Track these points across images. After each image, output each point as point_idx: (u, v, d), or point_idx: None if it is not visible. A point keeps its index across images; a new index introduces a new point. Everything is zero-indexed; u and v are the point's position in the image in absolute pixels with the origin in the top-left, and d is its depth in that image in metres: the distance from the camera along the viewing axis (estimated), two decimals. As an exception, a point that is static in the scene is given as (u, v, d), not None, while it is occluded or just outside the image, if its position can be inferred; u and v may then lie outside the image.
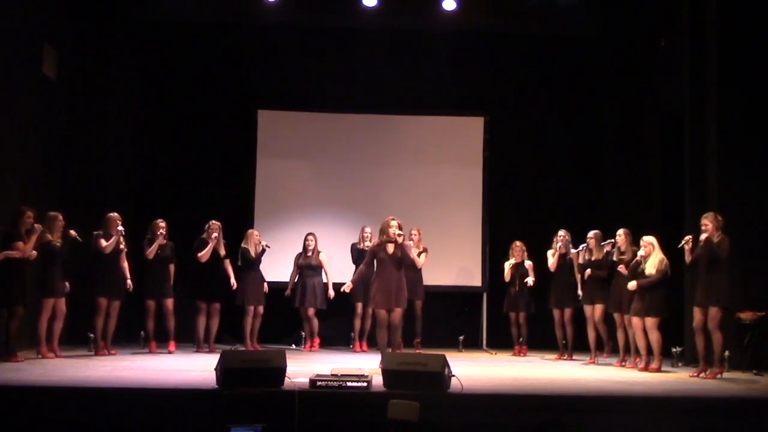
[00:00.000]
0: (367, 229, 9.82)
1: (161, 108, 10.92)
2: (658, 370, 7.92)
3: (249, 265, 9.58)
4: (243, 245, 9.62)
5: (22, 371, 6.91)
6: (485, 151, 11.00)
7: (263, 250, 9.62)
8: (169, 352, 8.91)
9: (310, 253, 9.89)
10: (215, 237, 9.25)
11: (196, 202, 10.50)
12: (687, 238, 7.78)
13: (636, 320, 8.05)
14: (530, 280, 9.62)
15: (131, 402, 5.74)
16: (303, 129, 10.96)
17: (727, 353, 7.69)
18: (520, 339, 9.74)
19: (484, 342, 10.65)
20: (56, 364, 7.51)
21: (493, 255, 10.63)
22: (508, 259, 9.83)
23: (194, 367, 7.39)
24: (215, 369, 5.99)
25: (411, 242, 9.55)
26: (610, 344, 8.98)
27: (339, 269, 9.96)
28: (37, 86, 9.17)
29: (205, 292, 9.25)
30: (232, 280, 9.44)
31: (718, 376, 7.46)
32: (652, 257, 7.98)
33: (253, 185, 10.79)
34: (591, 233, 8.94)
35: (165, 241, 9.07)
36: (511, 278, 9.72)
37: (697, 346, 7.71)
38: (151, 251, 8.94)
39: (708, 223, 7.53)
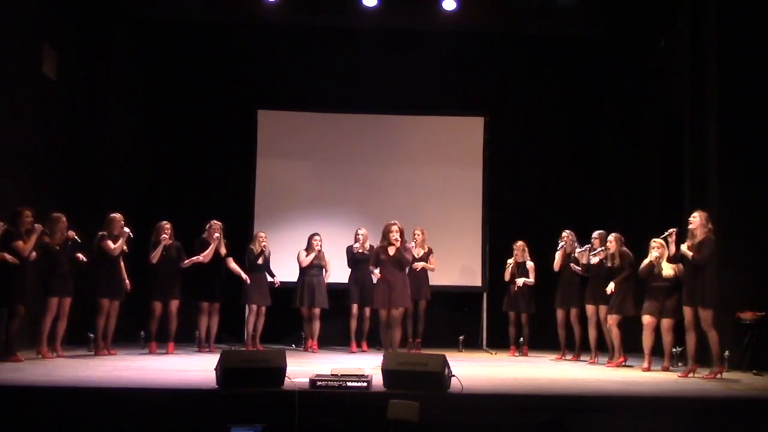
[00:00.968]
0: (360, 231, 9.80)
1: (161, 108, 10.93)
2: (668, 369, 8.03)
3: (254, 266, 9.60)
4: (250, 246, 9.70)
5: (22, 371, 6.90)
6: (485, 151, 11.00)
7: (266, 253, 9.66)
8: (168, 353, 8.91)
9: (316, 253, 9.86)
10: (217, 237, 9.25)
11: (196, 202, 10.51)
12: (671, 230, 7.75)
13: (649, 319, 8.07)
14: (521, 281, 9.61)
15: (131, 402, 5.74)
16: (303, 129, 10.97)
17: (726, 353, 7.69)
18: (521, 339, 9.75)
19: (484, 342, 10.65)
20: (56, 364, 7.51)
21: (493, 255, 10.64)
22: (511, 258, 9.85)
23: (194, 367, 7.39)
24: (215, 369, 5.99)
25: (413, 243, 9.58)
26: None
27: (338, 269, 9.97)
28: (37, 86, 9.17)
29: (207, 292, 9.25)
30: (244, 276, 9.45)
31: (718, 375, 7.46)
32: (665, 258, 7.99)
33: (253, 185, 10.80)
34: (596, 233, 8.96)
35: (171, 242, 9.05)
36: (511, 277, 9.73)
37: (687, 345, 7.72)
38: (155, 255, 8.92)
39: (697, 216, 7.57)
